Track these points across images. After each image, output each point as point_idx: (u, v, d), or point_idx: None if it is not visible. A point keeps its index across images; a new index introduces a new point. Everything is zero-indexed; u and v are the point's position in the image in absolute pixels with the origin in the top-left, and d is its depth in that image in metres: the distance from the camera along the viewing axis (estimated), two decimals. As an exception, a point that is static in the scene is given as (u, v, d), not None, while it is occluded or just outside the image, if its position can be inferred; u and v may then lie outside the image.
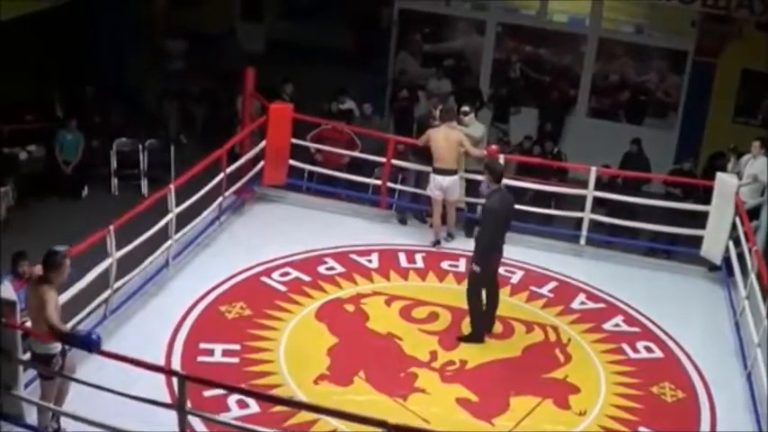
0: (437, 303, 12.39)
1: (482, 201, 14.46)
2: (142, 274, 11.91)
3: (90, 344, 8.58)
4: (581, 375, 11.14)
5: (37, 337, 8.78)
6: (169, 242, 12.22)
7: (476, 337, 11.53)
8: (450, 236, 14.21)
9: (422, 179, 14.40)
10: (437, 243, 14.09)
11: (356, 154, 16.18)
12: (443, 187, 13.66)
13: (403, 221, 14.87)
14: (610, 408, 10.57)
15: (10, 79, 17.11)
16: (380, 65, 21.88)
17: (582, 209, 14.40)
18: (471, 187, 14.53)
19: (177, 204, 12.24)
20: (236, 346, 10.96)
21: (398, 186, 15.15)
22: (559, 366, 11.32)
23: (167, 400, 9.14)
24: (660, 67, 21.16)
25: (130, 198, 14.68)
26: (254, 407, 9.81)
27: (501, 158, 14.35)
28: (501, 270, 11.95)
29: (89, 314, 10.71)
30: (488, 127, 19.22)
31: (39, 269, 8.99)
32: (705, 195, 14.65)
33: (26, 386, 9.11)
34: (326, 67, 21.51)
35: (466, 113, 14.32)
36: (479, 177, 14.37)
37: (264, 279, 12.64)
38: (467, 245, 13.82)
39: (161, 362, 10.36)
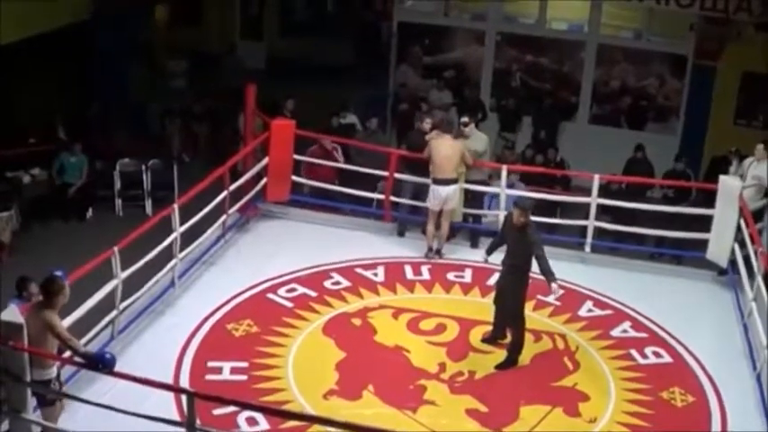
0: (444, 315, 12.41)
1: (483, 212, 14.66)
2: (148, 293, 11.94)
3: (105, 363, 8.63)
4: (590, 383, 11.13)
5: (40, 360, 8.80)
6: (174, 261, 12.23)
7: (515, 361, 11.48)
8: (439, 253, 14.11)
9: (419, 191, 14.40)
10: (430, 251, 14.07)
11: (339, 165, 16.13)
12: (443, 197, 13.63)
13: (401, 234, 14.86)
14: (620, 414, 10.56)
15: (12, 102, 17.15)
16: (381, 78, 21.89)
17: (586, 216, 14.42)
18: (474, 199, 14.54)
19: (181, 223, 12.26)
20: (245, 364, 10.96)
21: (400, 200, 15.10)
22: (568, 374, 11.32)
23: (177, 419, 9.11)
24: (660, 72, 21.11)
25: (135, 218, 14.66)
26: (263, 424, 9.83)
27: (504, 170, 14.38)
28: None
29: (96, 335, 10.72)
30: (495, 137, 19.33)
31: (36, 293, 9.06)
32: (707, 198, 14.64)
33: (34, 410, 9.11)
34: (327, 82, 21.53)
35: (466, 124, 14.31)
36: (481, 188, 14.46)
37: (271, 296, 12.64)
38: (472, 255, 13.86)
39: (169, 381, 10.35)
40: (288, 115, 16.39)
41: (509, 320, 11.54)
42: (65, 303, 9.02)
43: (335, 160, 16.27)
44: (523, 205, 11.32)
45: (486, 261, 12.05)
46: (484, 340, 11.84)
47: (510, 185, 14.47)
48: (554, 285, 11.11)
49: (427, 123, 14.42)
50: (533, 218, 11.54)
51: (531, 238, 11.16)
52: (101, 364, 8.68)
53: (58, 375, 9.07)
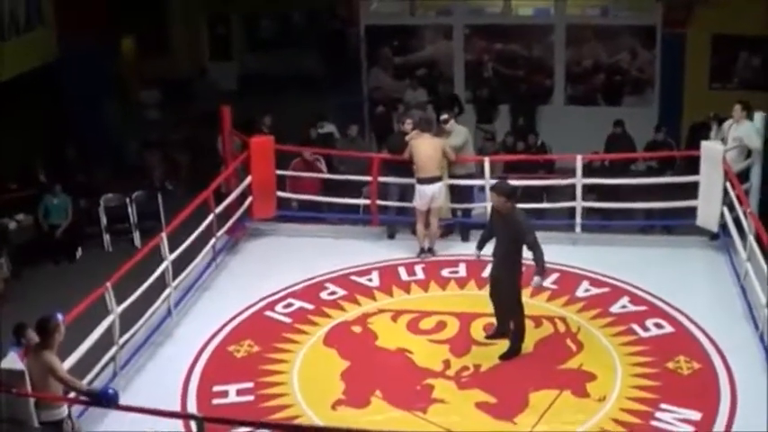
0: (443, 312, 12.39)
1: (471, 205, 14.65)
2: (146, 325, 11.91)
3: (109, 399, 8.64)
4: (595, 362, 11.14)
5: (48, 401, 8.80)
6: (168, 290, 12.20)
7: (518, 350, 11.45)
8: (431, 251, 14.12)
9: (405, 192, 14.40)
10: (422, 251, 14.07)
11: (323, 176, 16.25)
12: (429, 196, 13.63)
13: (391, 236, 14.86)
14: (628, 389, 10.57)
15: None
16: (354, 84, 21.91)
17: (572, 198, 14.44)
18: (461, 193, 14.53)
19: (171, 251, 12.24)
20: (250, 384, 10.92)
21: (386, 203, 15.06)
22: (573, 356, 11.31)
23: (188, 447, 9.12)
24: (631, 46, 21.15)
25: (125, 252, 14.66)
26: (275, 442, 9.82)
27: (486, 162, 14.40)
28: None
29: (99, 373, 10.67)
30: (473, 129, 19.35)
31: (34, 338, 9.08)
32: (689, 165, 14.69)
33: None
34: (301, 94, 21.59)
35: (446, 121, 14.34)
36: (467, 182, 14.46)
37: (268, 313, 12.62)
38: (463, 250, 13.85)
39: (177, 410, 10.30)
40: (266, 131, 16.39)
41: (508, 311, 11.51)
42: (61, 341, 9.03)
43: (319, 171, 16.29)
44: (499, 189, 11.30)
45: (478, 257, 11.98)
46: (488, 337, 11.77)
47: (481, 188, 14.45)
48: (536, 278, 11.10)
49: (408, 124, 14.39)
50: (522, 205, 11.56)
51: (519, 224, 11.08)
52: (104, 400, 8.69)
53: (69, 414, 9.07)
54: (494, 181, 14.05)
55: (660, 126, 18.22)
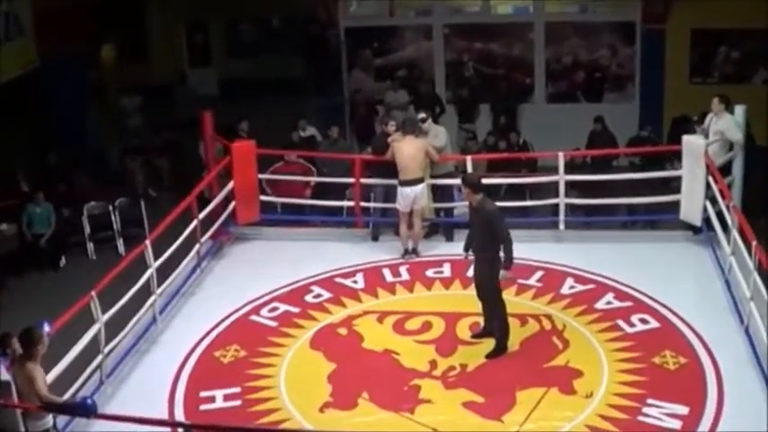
0: (428, 312, 12.38)
1: (454, 204, 14.64)
2: (132, 333, 11.85)
3: (87, 409, 8.61)
4: (582, 358, 11.15)
5: (34, 411, 8.78)
6: (153, 297, 12.17)
7: (504, 347, 11.43)
8: (416, 252, 14.12)
9: (389, 193, 14.39)
10: (406, 252, 14.07)
11: (307, 178, 16.29)
12: (411, 198, 13.61)
13: (375, 238, 14.86)
14: (615, 386, 10.58)
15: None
16: (335, 87, 21.91)
17: (556, 195, 14.45)
18: (442, 192, 14.53)
19: (155, 258, 12.21)
20: (237, 389, 10.89)
21: (370, 204, 15.07)
22: (559, 353, 11.32)
23: (176, 453, 9.09)
24: (610, 42, 21.24)
25: (109, 260, 14.58)
26: (264, 446, 9.80)
27: (468, 161, 14.41)
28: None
29: (85, 382, 10.64)
30: (455, 129, 19.39)
31: (18, 348, 9.07)
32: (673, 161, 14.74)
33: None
34: (282, 98, 21.52)
35: (424, 120, 14.32)
36: (450, 181, 14.45)
37: (254, 317, 12.59)
38: (447, 250, 13.86)
39: (164, 417, 10.24)
40: (244, 136, 16.38)
41: (492, 309, 11.51)
42: (44, 353, 9.01)
43: (309, 173, 16.31)
44: (464, 180, 11.34)
45: (466, 258, 11.95)
46: (474, 336, 11.75)
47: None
48: (502, 272, 11.12)
49: (392, 126, 14.35)
50: (505, 203, 11.52)
51: (489, 215, 11.06)
52: (82, 410, 8.67)
53: (55, 424, 9.05)
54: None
55: (645, 124, 18.30)
